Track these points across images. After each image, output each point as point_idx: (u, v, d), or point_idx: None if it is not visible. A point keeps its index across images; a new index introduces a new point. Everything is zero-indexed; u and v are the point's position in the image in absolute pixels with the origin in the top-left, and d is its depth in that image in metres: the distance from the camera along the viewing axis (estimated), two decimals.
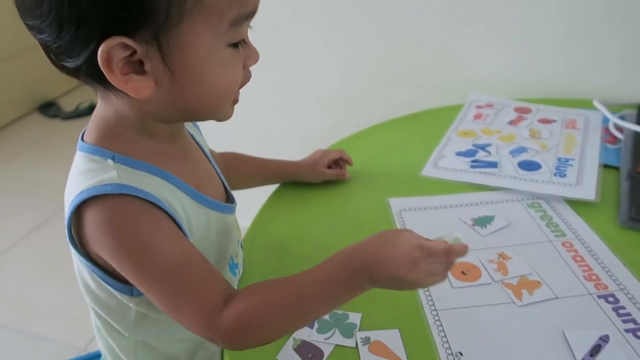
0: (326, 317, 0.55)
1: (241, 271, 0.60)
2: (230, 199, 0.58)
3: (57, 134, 2.31)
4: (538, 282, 0.58)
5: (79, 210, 0.44)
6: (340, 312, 0.56)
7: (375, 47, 1.14)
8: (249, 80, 0.50)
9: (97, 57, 0.40)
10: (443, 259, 0.45)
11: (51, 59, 0.43)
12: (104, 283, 0.49)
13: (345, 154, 0.79)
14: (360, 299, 0.57)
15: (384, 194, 0.76)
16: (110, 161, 0.45)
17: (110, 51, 0.40)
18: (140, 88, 0.43)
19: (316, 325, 0.54)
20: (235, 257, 0.57)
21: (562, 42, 1.03)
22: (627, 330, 0.52)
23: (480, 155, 0.84)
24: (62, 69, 0.44)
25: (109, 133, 0.47)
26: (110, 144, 0.46)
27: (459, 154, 0.85)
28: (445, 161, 0.83)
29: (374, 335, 0.53)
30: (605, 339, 0.51)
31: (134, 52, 0.41)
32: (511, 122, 0.94)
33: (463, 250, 0.46)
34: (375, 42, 1.13)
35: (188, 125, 0.59)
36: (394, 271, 0.44)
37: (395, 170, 0.83)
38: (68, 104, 2.46)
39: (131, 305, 0.50)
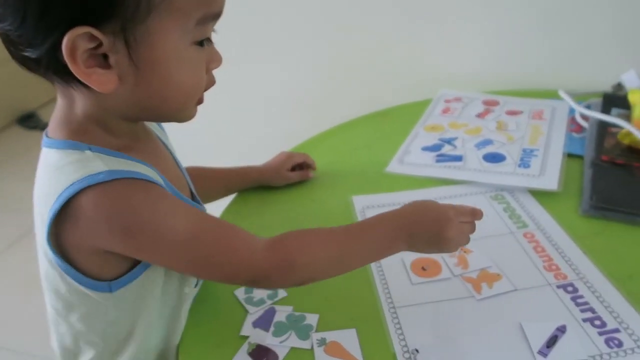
0: (282, 319, 0.54)
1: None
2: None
3: (37, 146, 2.26)
4: (498, 274, 0.58)
5: (66, 206, 0.42)
6: (297, 314, 0.55)
7: (344, 46, 1.13)
8: (213, 83, 0.50)
9: (60, 47, 0.39)
10: (471, 217, 0.51)
11: (10, 51, 0.43)
12: (77, 284, 0.47)
13: (309, 159, 0.78)
14: (317, 299, 0.57)
15: (349, 192, 0.75)
16: (89, 152, 0.44)
17: (75, 41, 0.39)
18: (103, 82, 0.42)
19: (272, 329, 0.53)
20: None
21: (529, 34, 1.02)
22: (584, 320, 0.51)
23: (446, 149, 0.83)
24: (22, 60, 0.43)
25: (78, 129, 0.46)
26: (81, 138, 0.45)
27: (424, 148, 0.84)
28: (411, 157, 0.83)
29: (330, 336, 0.52)
30: (562, 330, 0.50)
31: (100, 44, 0.41)
32: (479, 115, 0.94)
33: (481, 213, 0.52)
34: (344, 41, 1.13)
35: (155, 128, 0.58)
36: (433, 229, 0.49)
37: (362, 168, 0.82)
38: (48, 115, 2.44)
39: (109, 303, 0.49)
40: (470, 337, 0.51)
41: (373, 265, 0.60)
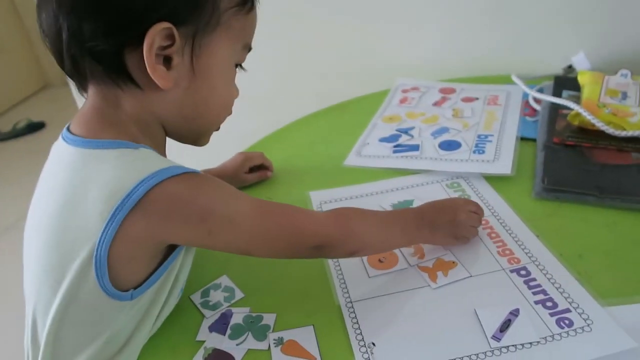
0: (239, 321, 0.54)
1: None
2: None
3: None
4: (453, 262, 0.58)
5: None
6: (254, 314, 0.54)
7: (299, 41, 1.13)
8: (231, 113, 0.56)
9: (130, 43, 0.43)
10: (476, 208, 0.59)
11: (68, 45, 0.43)
12: (101, 290, 0.44)
13: (266, 160, 0.78)
14: (274, 299, 0.56)
15: (307, 188, 0.75)
16: (145, 149, 0.46)
17: (155, 35, 0.43)
18: (164, 79, 0.45)
19: (228, 332, 0.53)
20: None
21: (482, 20, 1.03)
22: (536, 302, 0.52)
23: (403, 139, 0.83)
24: (77, 57, 0.44)
25: (125, 130, 0.47)
26: (129, 138, 0.46)
27: (382, 140, 0.84)
28: (369, 148, 0.82)
29: (287, 334, 0.52)
30: (515, 313, 0.51)
31: (171, 44, 0.44)
32: (435, 104, 0.94)
33: (483, 211, 0.61)
34: (298, 35, 1.12)
35: None
36: (448, 214, 0.57)
37: (320, 163, 0.82)
38: (4, 124, 2.37)
39: (124, 310, 0.47)
40: (426, 326, 0.51)
41: (330, 262, 0.60)
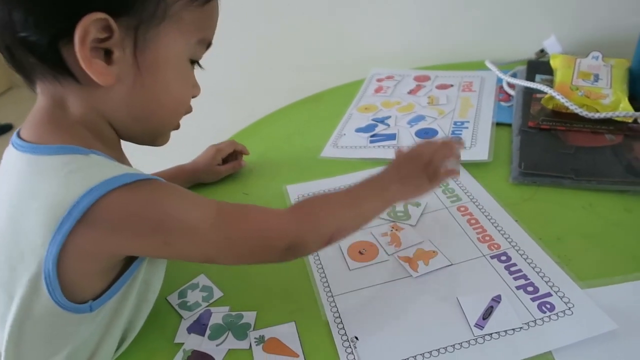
0: (219, 321, 0.52)
1: None
2: None
3: None
4: (434, 251, 0.57)
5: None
6: (234, 313, 0.53)
7: (271, 34, 1.11)
8: (190, 111, 0.52)
9: (65, 35, 0.39)
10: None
11: (2, 35, 0.41)
12: (56, 304, 0.42)
13: (237, 145, 0.76)
14: (254, 296, 0.55)
15: (283, 182, 0.73)
16: (94, 156, 0.42)
17: (89, 26, 0.39)
18: (102, 74, 0.41)
19: (208, 332, 0.51)
20: None
21: (453, 7, 1.03)
22: (518, 287, 0.52)
23: (379, 129, 0.82)
24: (12, 49, 0.41)
25: (72, 133, 0.44)
26: (78, 142, 0.43)
27: (358, 130, 0.83)
28: (345, 139, 0.81)
29: (269, 332, 0.50)
30: (497, 300, 0.51)
31: (109, 37, 0.41)
32: (410, 92, 0.94)
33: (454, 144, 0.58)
34: (270, 28, 1.10)
35: None
36: (413, 162, 0.55)
37: (296, 156, 0.81)
38: None
39: (84, 323, 0.45)
40: (409, 317, 0.50)
41: (310, 256, 0.59)
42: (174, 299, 0.56)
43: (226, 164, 0.75)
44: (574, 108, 0.73)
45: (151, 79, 0.44)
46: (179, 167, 0.73)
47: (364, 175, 0.72)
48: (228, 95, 1.21)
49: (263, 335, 0.50)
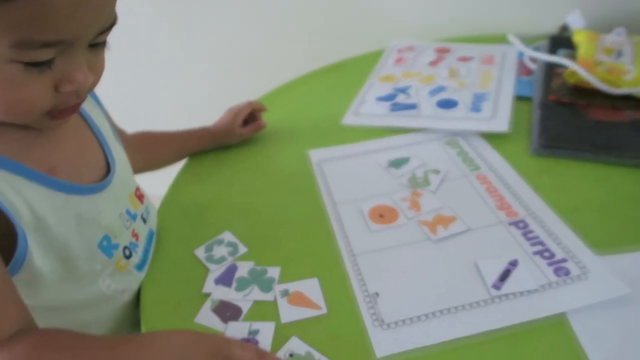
0: (244, 274, 0.54)
1: (144, 246, 0.57)
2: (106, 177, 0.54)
3: None
4: (453, 216, 0.59)
5: None
6: (259, 268, 0.55)
7: (292, 1, 1.10)
8: (68, 102, 0.44)
9: None
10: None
11: None
12: None
13: (254, 105, 0.76)
14: (278, 253, 0.57)
15: (305, 147, 0.75)
16: None
17: None
18: None
19: (234, 284, 0.53)
20: (113, 237, 0.53)
21: None
22: (535, 253, 0.53)
23: (400, 98, 0.83)
24: None
25: None
26: None
27: (379, 99, 0.84)
28: (366, 107, 0.82)
29: (293, 286, 0.53)
30: (514, 264, 0.52)
31: None
32: (431, 63, 0.94)
33: None
34: None
35: (90, 107, 0.55)
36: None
37: (317, 122, 0.82)
38: None
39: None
40: (428, 277, 0.52)
41: (332, 215, 0.61)
42: (200, 253, 0.58)
43: (247, 126, 0.76)
44: (595, 83, 0.73)
45: None
46: (205, 129, 0.74)
47: (385, 142, 0.74)
48: (248, 62, 1.21)
49: (287, 289, 0.52)
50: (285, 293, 0.52)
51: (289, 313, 0.50)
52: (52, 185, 0.47)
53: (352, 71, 0.96)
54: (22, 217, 0.44)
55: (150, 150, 0.69)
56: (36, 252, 0.46)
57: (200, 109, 0.95)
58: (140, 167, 0.66)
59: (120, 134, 0.61)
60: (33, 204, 0.45)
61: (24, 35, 0.38)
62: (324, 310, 0.50)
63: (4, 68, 0.39)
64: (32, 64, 0.40)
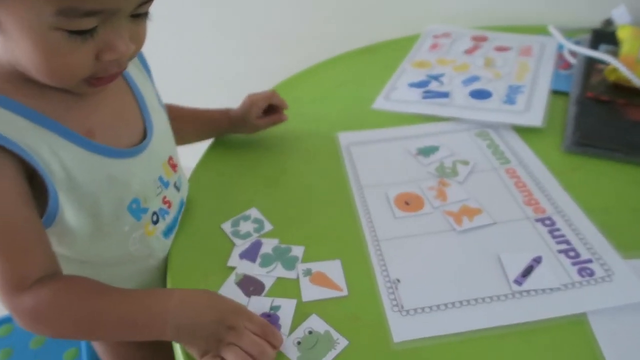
0: (269, 251, 0.56)
1: (174, 214, 0.59)
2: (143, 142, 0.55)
3: None
4: (479, 209, 0.59)
5: None
6: (283, 246, 0.56)
7: None
8: (109, 71, 0.46)
9: None
10: (260, 330, 0.45)
11: None
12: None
13: (275, 99, 0.70)
14: (303, 232, 0.58)
15: (334, 129, 0.75)
16: None
17: None
18: None
19: (258, 260, 0.55)
20: (143, 201, 0.54)
21: None
22: (559, 251, 0.53)
23: (433, 85, 0.82)
24: None
25: None
26: None
27: (411, 85, 0.83)
28: (398, 93, 0.82)
29: (315, 266, 0.54)
30: (538, 260, 0.52)
31: None
32: (467, 51, 0.92)
33: (277, 341, 0.45)
34: None
35: (134, 69, 0.56)
36: (193, 343, 0.45)
37: (347, 105, 0.82)
38: None
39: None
40: (450, 267, 0.52)
41: (358, 198, 0.61)
42: (227, 227, 0.59)
43: (264, 118, 0.70)
44: (637, 81, 0.71)
45: (13, 43, 0.42)
46: (225, 113, 0.71)
47: (414, 130, 0.73)
48: (280, 39, 1.21)
49: (310, 269, 0.54)
50: (308, 272, 0.53)
51: (310, 292, 0.51)
52: (87, 147, 0.48)
53: (385, 55, 0.96)
54: (55, 176, 0.46)
55: (174, 126, 0.67)
56: (67, 209, 0.48)
57: (233, 85, 0.96)
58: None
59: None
60: (67, 163, 0.47)
61: (68, 3, 0.39)
62: (344, 292, 0.51)
63: (48, 35, 0.41)
64: (75, 32, 0.41)
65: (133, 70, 0.57)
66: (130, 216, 0.53)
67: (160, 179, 0.57)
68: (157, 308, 0.45)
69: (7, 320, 0.81)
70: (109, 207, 0.51)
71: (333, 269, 0.53)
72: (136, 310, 0.45)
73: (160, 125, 0.58)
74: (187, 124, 0.69)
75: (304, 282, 0.52)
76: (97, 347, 0.70)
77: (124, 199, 0.53)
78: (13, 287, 0.44)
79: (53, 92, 0.47)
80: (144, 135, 0.55)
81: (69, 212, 0.48)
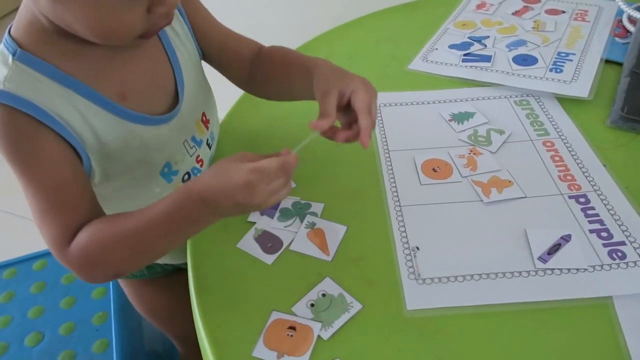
0: (288, 205, 0.55)
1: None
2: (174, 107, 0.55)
3: None
4: (509, 181, 0.56)
5: None
6: (303, 202, 0.56)
7: None
8: (159, 24, 0.46)
9: None
10: (280, 174, 0.44)
11: None
12: None
13: (365, 127, 0.49)
14: (324, 190, 0.57)
15: None
16: (10, 57, 0.44)
17: None
18: None
19: (277, 214, 0.54)
20: (174, 164, 0.55)
21: None
22: (591, 231, 0.50)
23: (475, 48, 0.78)
24: None
25: (28, 26, 0.45)
26: (25, 38, 0.45)
27: (452, 46, 0.79)
28: (436, 54, 0.78)
29: (321, 223, 0.53)
30: (566, 238, 0.50)
31: None
32: (515, 13, 0.87)
33: (294, 160, 0.45)
34: None
35: (176, 24, 0.55)
36: (234, 199, 0.43)
37: (383, 64, 0.79)
38: None
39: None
40: (472, 239, 0.51)
41: (383, 162, 0.60)
42: None
43: (339, 133, 0.52)
44: None
45: (60, 4, 0.42)
46: (318, 78, 0.56)
47: (450, 94, 0.70)
48: None
49: (315, 223, 0.53)
50: (310, 226, 0.53)
51: (299, 244, 0.51)
52: (120, 114, 0.49)
53: (427, 12, 0.91)
54: (87, 142, 0.47)
55: (273, 72, 0.60)
56: (98, 173, 0.50)
57: (266, 38, 0.94)
58: (260, 92, 0.62)
59: (245, 44, 0.60)
60: (98, 130, 0.48)
61: None
62: (329, 258, 0.50)
63: None
64: None
65: (175, 29, 0.56)
66: (162, 179, 0.54)
67: (193, 138, 0.57)
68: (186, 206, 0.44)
69: (42, 254, 0.85)
70: (140, 171, 0.52)
71: (334, 232, 0.52)
72: (166, 205, 0.44)
73: (194, 81, 0.57)
74: (282, 78, 0.59)
75: (301, 234, 0.52)
76: (124, 286, 0.73)
77: (156, 164, 0.54)
78: (60, 244, 0.45)
79: (88, 49, 0.47)
80: (176, 97, 0.55)
81: (100, 176, 0.50)
